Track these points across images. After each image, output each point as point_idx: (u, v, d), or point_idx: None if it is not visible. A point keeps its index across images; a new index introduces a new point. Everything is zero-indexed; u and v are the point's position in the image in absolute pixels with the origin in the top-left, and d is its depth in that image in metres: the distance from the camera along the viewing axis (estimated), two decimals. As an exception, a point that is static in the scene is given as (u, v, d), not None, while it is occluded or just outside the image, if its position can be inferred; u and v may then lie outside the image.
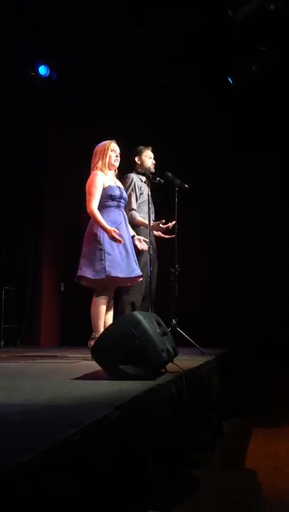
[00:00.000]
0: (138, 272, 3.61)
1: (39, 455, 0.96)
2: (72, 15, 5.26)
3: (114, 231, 3.44)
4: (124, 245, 3.57)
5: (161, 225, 4.14)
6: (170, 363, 2.45)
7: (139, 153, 4.26)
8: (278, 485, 1.98)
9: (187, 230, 4.57)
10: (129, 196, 4.06)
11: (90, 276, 3.46)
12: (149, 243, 3.87)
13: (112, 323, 2.84)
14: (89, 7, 5.11)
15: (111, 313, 3.70)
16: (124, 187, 4.02)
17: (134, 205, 4.12)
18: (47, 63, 5.87)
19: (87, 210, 3.56)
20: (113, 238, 3.43)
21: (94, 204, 3.54)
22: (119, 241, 3.45)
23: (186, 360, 2.99)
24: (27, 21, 5.35)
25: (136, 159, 4.25)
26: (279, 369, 5.43)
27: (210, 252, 6.53)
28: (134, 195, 4.14)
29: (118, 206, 3.66)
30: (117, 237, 3.44)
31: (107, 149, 3.68)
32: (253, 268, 6.42)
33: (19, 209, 6.26)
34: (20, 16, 5.24)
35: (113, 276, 3.46)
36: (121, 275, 3.48)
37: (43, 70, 5.85)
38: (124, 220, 3.69)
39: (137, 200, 4.16)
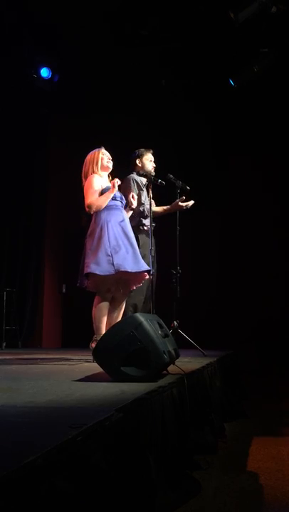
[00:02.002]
0: (146, 266, 3.56)
1: (41, 457, 0.96)
2: (73, 17, 5.28)
3: (112, 184, 3.53)
4: (130, 241, 3.56)
5: (180, 203, 4.15)
6: (172, 365, 2.45)
7: (140, 156, 4.26)
8: (280, 487, 1.98)
9: (188, 231, 4.58)
10: (138, 195, 4.05)
11: (98, 272, 3.39)
12: (151, 245, 3.88)
13: (114, 325, 2.84)
14: (90, 8, 5.12)
15: (119, 318, 3.67)
16: (126, 188, 4.02)
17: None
18: (49, 65, 5.88)
19: (86, 205, 3.57)
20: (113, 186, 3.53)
21: (92, 199, 3.56)
22: (114, 185, 3.53)
23: (187, 362, 2.99)
24: (29, 23, 5.37)
25: (137, 161, 4.25)
26: (281, 370, 5.42)
27: (211, 253, 6.55)
28: (140, 192, 4.12)
29: (118, 206, 3.67)
30: (115, 182, 3.54)
31: (98, 154, 3.72)
32: (255, 269, 6.43)
33: (21, 211, 6.27)
34: (22, 18, 5.26)
35: (122, 271, 3.41)
36: (130, 269, 3.43)
37: (45, 72, 5.86)
38: (126, 218, 3.69)
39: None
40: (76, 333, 5.67)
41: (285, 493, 1.91)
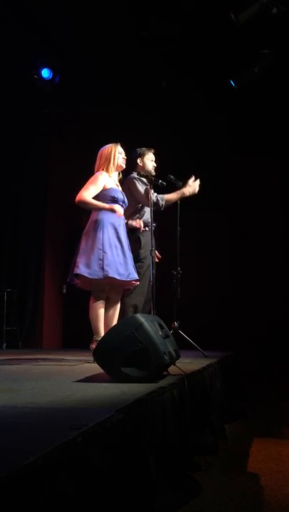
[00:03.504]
0: (134, 275, 3.60)
1: (41, 458, 0.96)
2: (75, 18, 5.28)
3: (111, 207, 3.52)
4: (122, 247, 3.58)
5: (190, 183, 4.08)
6: (172, 366, 2.45)
7: (141, 155, 4.22)
8: (280, 489, 1.98)
9: (188, 232, 4.57)
10: (146, 192, 4.00)
11: (86, 275, 3.43)
12: (151, 246, 3.87)
13: (114, 326, 2.85)
14: (92, 10, 5.13)
15: (115, 317, 3.69)
16: (130, 189, 4.01)
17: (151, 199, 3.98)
18: (50, 66, 5.89)
19: (76, 199, 3.56)
20: (112, 210, 3.52)
21: (85, 194, 3.55)
22: (117, 212, 3.53)
23: (188, 363, 2.99)
24: (30, 24, 5.37)
25: (138, 161, 4.21)
26: (281, 371, 5.42)
27: (211, 254, 6.54)
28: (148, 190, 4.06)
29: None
30: (116, 209, 3.53)
31: (114, 151, 3.70)
32: (255, 270, 6.42)
33: (21, 211, 6.27)
34: (23, 19, 5.26)
35: (110, 277, 3.44)
36: (117, 277, 3.46)
37: (45, 73, 5.87)
38: (123, 223, 3.70)
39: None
40: (76, 334, 5.66)
41: (285, 494, 1.90)
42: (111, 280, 3.49)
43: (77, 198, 3.58)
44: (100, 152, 3.75)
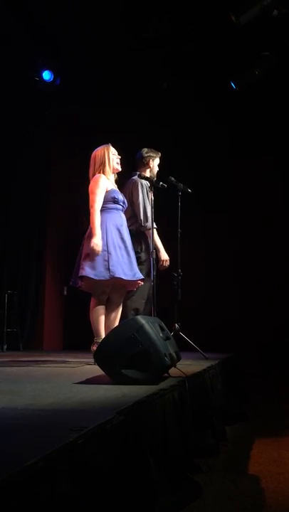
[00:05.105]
0: (140, 275, 3.60)
1: (42, 459, 0.96)
2: (75, 20, 5.29)
3: (97, 245, 3.39)
4: (126, 247, 3.57)
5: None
6: (173, 368, 2.45)
7: (152, 158, 4.21)
8: (281, 491, 1.97)
9: (190, 234, 4.57)
10: (143, 205, 4.00)
11: (92, 276, 3.41)
12: (152, 248, 3.87)
13: (115, 328, 2.85)
14: (92, 12, 5.14)
15: (117, 319, 3.67)
16: (133, 191, 4.01)
17: (148, 214, 3.98)
18: (51, 68, 5.90)
19: (91, 209, 3.53)
20: (93, 249, 3.38)
21: (97, 205, 3.52)
22: (98, 252, 3.40)
23: (188, 365, 2.99)
24: (31, 27, 5.38)
25: (150, 162, 4.18)
26: (282, 373, 5.41)
27: (212, 256, 6.54)
28: (147, 204, 4.03)
29: (119, 209, 3.68)
30: (97, 249, 3.39)
31: (109, 153, 3.68)
32: (256, 272, 6.42)
33: (22, 212, 6.28)
34: (24, 21, 5.28)
35: (117, 277, 3.43)
36: (124, 277, 3.45)
37: (47, 75, 5.88)
38: (125, 223, 3.70)
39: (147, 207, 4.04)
40: (77, 336, 5.67)
41: (286, 496, 1.90)
42: (115, 281, 3.48)
43: (92, 209, 3.51)
44: (92, 155, 3.71)
